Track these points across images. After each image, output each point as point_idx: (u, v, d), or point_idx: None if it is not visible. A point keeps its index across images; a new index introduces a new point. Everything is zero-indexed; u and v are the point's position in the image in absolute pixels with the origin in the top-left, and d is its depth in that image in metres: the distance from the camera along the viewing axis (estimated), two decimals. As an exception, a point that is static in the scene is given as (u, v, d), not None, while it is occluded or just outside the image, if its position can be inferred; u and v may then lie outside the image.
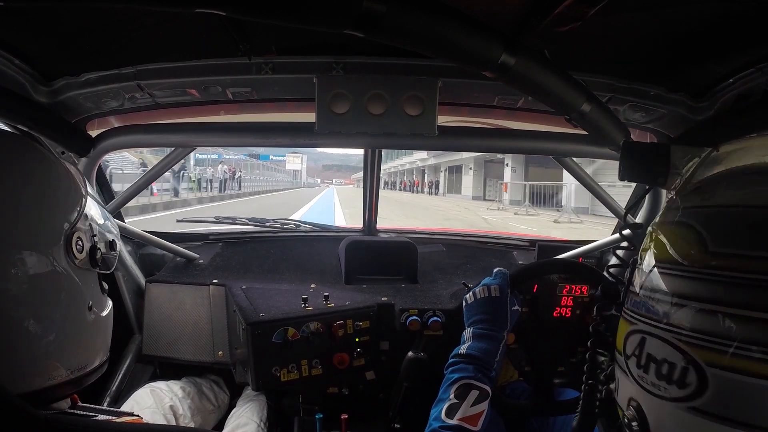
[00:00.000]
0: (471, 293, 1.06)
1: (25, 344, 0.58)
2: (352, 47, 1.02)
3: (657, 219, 0.60)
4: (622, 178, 0.74)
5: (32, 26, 0.85)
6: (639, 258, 0.58)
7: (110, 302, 0.74)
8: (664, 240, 0.54)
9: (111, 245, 0.72)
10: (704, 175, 0.59)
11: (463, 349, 0.95)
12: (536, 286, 1.20)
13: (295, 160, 53.68)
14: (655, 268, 0.53)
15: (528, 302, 1.20)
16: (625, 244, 0.81)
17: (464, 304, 1.07)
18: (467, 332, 0.99)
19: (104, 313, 0.71)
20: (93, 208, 0.70)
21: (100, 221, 0.72)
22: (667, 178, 0.69)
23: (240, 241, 1.83)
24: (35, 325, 0.59)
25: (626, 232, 0.75)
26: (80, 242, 0.64)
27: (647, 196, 1.44)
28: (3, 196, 0.58)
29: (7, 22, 0.82)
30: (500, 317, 1.01)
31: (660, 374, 0.49)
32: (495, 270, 1.11)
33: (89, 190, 0.70)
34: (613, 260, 1.64)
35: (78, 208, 0.66)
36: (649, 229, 0.60)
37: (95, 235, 0.68)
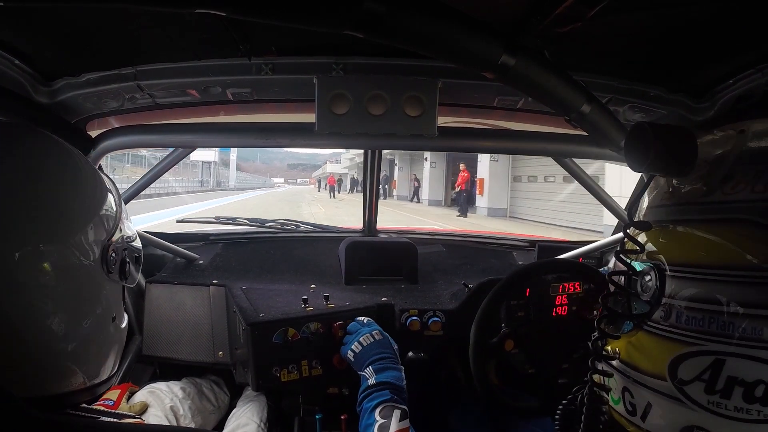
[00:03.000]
0: (356, 343, 1.12)
1: (49, 346, 0.58)
2: (352, 48, 1.02)
3: (671, 213, 0.54)
4: (636, 168, 0.59)
5: (32, 26, 0.85)
6: (662, 262, 0.52)
7: (126, 316, 0.75)
8: (718, 240, 0.47)
9: (137, 260, 0.73)
10: (739, 163, 0.51)
11: (371, 381, 0.99)
12: (528, 290, 1.20)
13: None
14: (716, 277, 0.47)
15: (523, 306, 1.20)
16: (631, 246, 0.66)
17: (352, 354, 1.12)
18: (368, 371, 1.02)
19: (123, 326, 0.72)
20: (125, 222, 0.71)
21: (130, 235, 0.72)
22: (694, 166, 0.56)
23: (240, 242, 1.83)
24: (62, 328, 0.59)
25: (633, 231, 0.59)
26: (114, 255, 0.65)
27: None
28: (45, 196, 0.59)
29: (7, 22, 0.82)
30: (392, 354, 1.09)
31: (752, 398, 0.44)
32: (365, 320, 1.20)
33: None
34: (611, 262, 1.64)
35: (114, 221, 0.66)
36: (660, 227, 0.53)
37: (126, 249, 0.69)
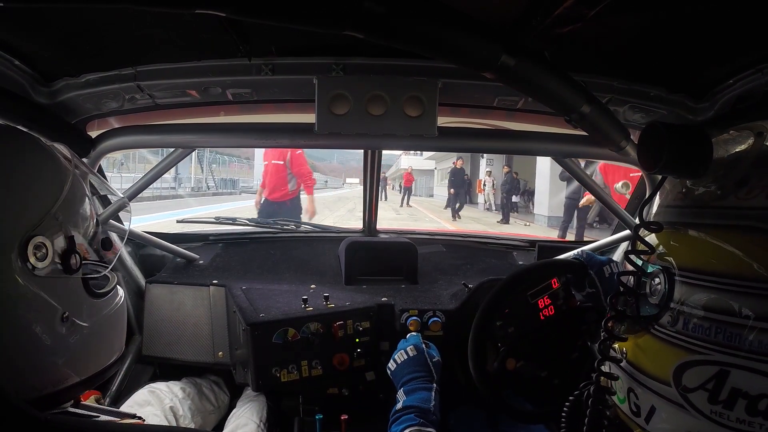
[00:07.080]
0: (391, 361, 1.12)
1: None
2: (352, 48, 1.02)
3: (683, 215, 0.53)
4: (649, 168, 0.57)
5: (32, 27, 0.85)
6: (672, 266, 0.51)
7: (118, 296, 0.69)
8: (730, 248, 0.46)
9: (105, 243, 0.65)
10: (755, 167, 0.49)
11: (399, 405, 0.99)
12: (506, 309, 1.19)
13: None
14: (726, 286, 0.46)
15: (510, 323, 1.19)
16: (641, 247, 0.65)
17: (389, 372, 1.12)
18: (399, 393, 1.03)
19: (85, 323, 0.63)
20: (82, 203, 0.63)
21: (93, 215, 0.65)
22: (708, 168, 0.53)
23: (240, 242, 1.83)
24: None
25: (644, 233, 0.58)
26: (44, 248, 0.55)
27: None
28: None
29: (7, 22, 0.82)
30: (425, 371, 1.07)
31: (755, 411, 0.44)
32: (408, 335, 1.19)
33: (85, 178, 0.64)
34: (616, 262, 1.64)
35: (46, 207, 0.57)
36: (672, 229, 0.52)
37: (72, 236, 0.59)
